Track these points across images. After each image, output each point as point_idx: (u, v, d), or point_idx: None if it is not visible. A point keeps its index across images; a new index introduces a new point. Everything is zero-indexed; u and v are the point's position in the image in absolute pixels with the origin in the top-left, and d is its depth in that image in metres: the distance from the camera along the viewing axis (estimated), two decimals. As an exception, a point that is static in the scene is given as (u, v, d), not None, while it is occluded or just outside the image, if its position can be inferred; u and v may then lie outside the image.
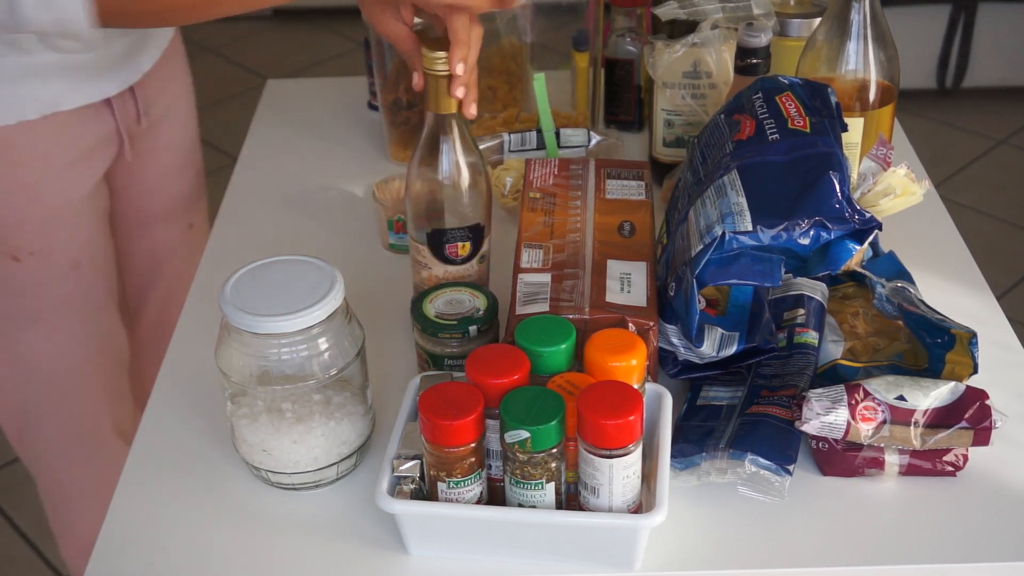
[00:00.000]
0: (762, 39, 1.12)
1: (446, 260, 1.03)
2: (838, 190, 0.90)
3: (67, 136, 1.18)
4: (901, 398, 0.89)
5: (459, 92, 0.96)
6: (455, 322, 0.97)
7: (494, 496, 0.88)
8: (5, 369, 1.29)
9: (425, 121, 0.99)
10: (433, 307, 0.99)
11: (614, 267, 0.99)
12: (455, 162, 1.00)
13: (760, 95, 1.00)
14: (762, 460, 0.87)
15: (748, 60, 1.14)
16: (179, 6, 1.03)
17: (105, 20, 0.99)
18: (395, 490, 0.84)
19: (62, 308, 1.25)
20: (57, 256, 1.21)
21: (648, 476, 0.87)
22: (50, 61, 1.11)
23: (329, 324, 0.88)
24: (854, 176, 0.99)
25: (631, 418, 0.79)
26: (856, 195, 0.95)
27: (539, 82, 1.26)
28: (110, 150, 1.26)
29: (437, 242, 1.03)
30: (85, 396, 1.34)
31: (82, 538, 1.43)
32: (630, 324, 0.92)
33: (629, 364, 0.85)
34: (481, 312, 0.98)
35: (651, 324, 0.93)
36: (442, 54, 0.95)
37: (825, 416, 0.88)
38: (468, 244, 1.03)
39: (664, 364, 0.99)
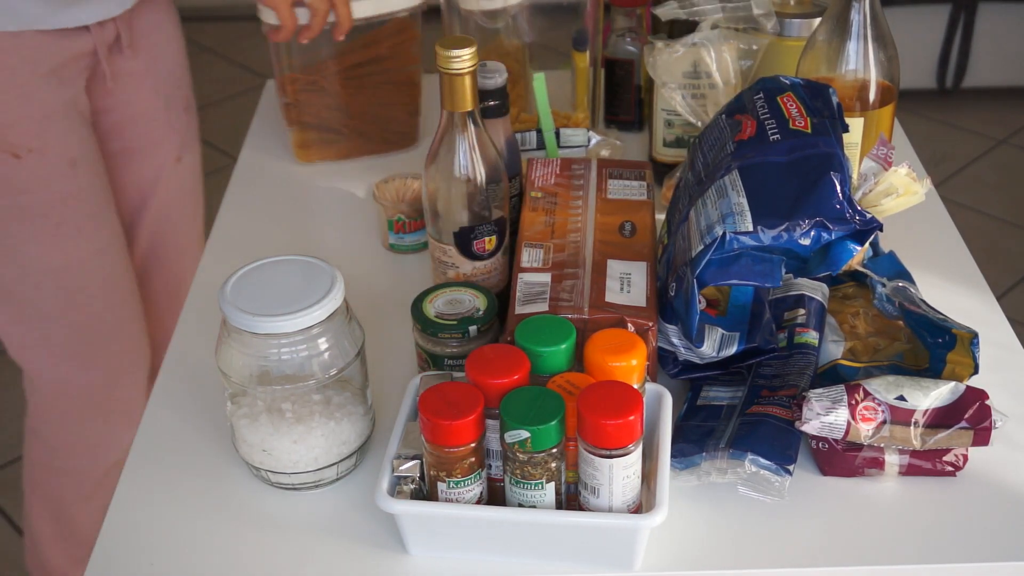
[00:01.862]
0: (497, 80, 1.09)
1: (474, 256, 1.04)
2: (839, 191, 0.90)
3: (47, 50, 1.28)
4: (901, 398, 0.89)
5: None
6: (455, 322, 0.97)
7: (494, 496, 0.88)
8: (13, 276, 1.36)
9: (440, 120, 1.00)
10: (433, 307, 0.99)
11: (614, 267, 0.99)
12: (474, 158, 1.01)
13: (761, 95, 1.00)
14: (762, 460, 0.87)
15: (485, 102, 1.08)
16: None
17: None
18: (395, 490, 0.84)
19: (64, 205, 1.34)
20: (54, 154, 1.31)
21: (648, 476, 0.87)
22: None
23: (329, 324, 0.88)
24: (855, 176, 0.99)
25: (631, 418, 0.79)
26: (858, 195, 0.95)
27: (539, 82, 1.26)
28: (87, 66, 1.35)
29: (465, 240, 1.04)
30: (90, 296, 1.40)
31: (56, 439, 1.49)
32: (629, 324, 0.92)
33: (629, 364, 0.85)
34: (481, 312, 0.98)
35: (650, 324, 0.93)
36: (458, 52, 0.95)
37: (825, 416, 0.88)
38: (494, 238, 1.04)
39: (664, 364, 0.99)
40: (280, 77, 1.36)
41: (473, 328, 0.97)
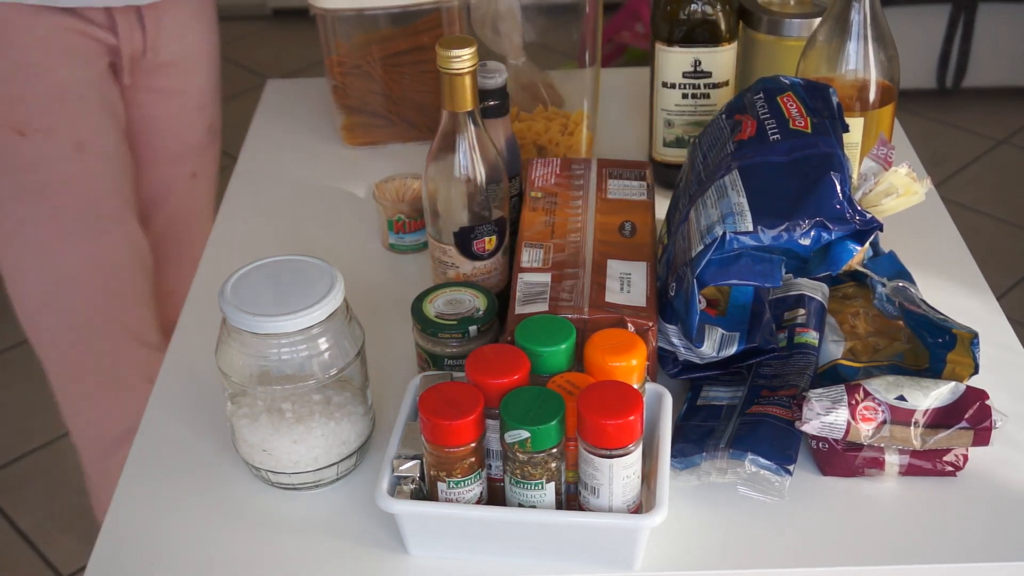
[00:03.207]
0: (497, 79, 1.09)
1: (474, 257, 1.04)
2: (839, 191, 0.90)
3: (64, 28, 1.26)
4: (901, 398, 0.89)
5: None
6: (455, 322, 0.97)
7: (494, 496, 0.88)
8: (20, 255, 1.36)
9: (441, 120, 1.00)
10: (433, 307, 0.99)
11: (614, 267, 0.99)
12: (474, 158, 1.01)
13: (761, 95, 1.00)
14: (762, 460, 0.87)
15: (485, 102, 1.09)
16: None
17: None
18: (395, 490, 0.84)
19: (67, 187, 1.32)
20: (61, 135, 1.29)
21: (648, 476, 0.87)
22: None
23: (329, 324, 0.88)
24: (855, 176, 0.99)
25: (631, 418, 0.79)
26: (858, 195, 0.95)
27: None
28: (108, 61, 1.32)
29: (465, 240, 1.04)
30: (91, 286, 1.39)
31: (95, 435, 1.50)
32: (629, 324, 0.92)
33: (629, 364, 0.85)
34: (481, 312, 0.98)
35: (650, 324, 0.93)
36: (458, 52, 0.95)
37: (825, 416, 0.88)
38: (494, 238, 1.04)
39: (664, 364, 0.99)
40: (328, 59, 1.38)
41: (473, 328, 0.97)
